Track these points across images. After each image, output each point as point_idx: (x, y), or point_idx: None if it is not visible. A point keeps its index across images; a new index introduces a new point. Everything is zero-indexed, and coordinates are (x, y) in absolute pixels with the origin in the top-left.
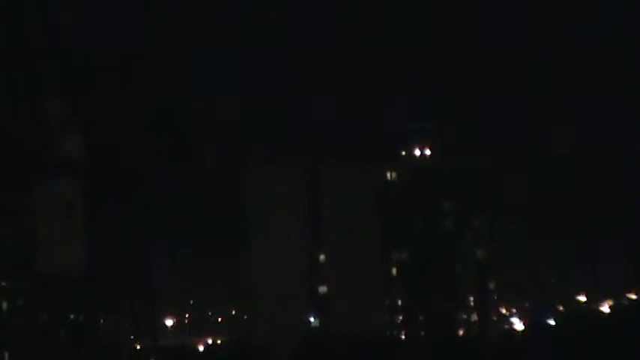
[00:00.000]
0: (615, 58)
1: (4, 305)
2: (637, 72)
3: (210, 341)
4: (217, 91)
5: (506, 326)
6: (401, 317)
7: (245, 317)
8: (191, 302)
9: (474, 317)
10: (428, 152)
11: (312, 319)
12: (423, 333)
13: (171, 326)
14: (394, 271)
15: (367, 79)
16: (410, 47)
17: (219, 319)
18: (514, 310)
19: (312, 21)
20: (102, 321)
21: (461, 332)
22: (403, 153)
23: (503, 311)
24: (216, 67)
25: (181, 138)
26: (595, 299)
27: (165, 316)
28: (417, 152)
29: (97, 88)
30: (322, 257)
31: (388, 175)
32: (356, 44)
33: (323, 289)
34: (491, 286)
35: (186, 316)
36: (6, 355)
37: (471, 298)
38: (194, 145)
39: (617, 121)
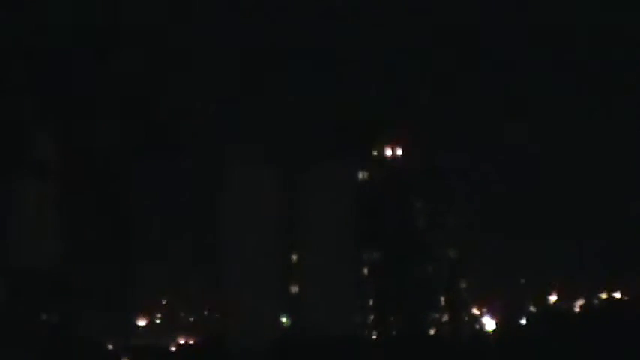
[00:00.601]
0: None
1: None
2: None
3: (182, 341)
4: (190, 87)
5: (478, 326)
6: (372, 317)
7: (217, 317)
8: (163, 302)
9: (446, 317)
10: (400, 152)
11: (284, 319)
12: (394, 333)
13: (144, 326)
14: (366, 270)
15: (342, 77)
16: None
17: (192, 319)
18: (485, 310)
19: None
20: (74, 319)
21: (432, 332)
22: (375, 153)
23: (475, 311)
24: (191, 61)
25: (156, 132)
26: (567, 299)
27: (137, 316)
28: (389, 152)
29: (71, 86)
30: (294, 257)
31: (360, 174)
32: (332, 43)
33: (295, 288)
34: (463, 285)
35: (158, 316)
36: None
37: (443, 298)
38: (168, 138)
39: (591, 121)
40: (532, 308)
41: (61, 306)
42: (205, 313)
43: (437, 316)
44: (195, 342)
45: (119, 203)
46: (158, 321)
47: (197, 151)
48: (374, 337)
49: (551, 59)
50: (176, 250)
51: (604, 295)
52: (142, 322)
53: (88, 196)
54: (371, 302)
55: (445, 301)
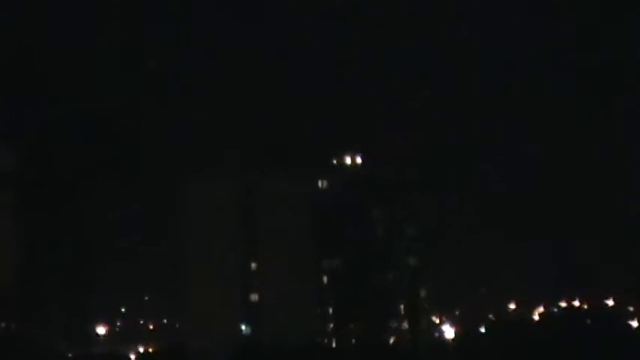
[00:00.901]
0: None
1: None
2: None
3: (142, 349)
4: (150, 99)
5: (437, 334)
6: (332, 325)
7: (177, 326)
8: (123, 310)
9: (405, 325)
10: (359, 160)
11: (243, 328)
12: (354, 341)
13: (103, 335)
14: (325, 279)
15: (298, 87)
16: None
17: (151, 327)
18: (445, 318)
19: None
20: (33, 329)
21: (392, 340)
22: (334, 161)
23: (435, 319)
24: (150, 72)
25: (115, 149)
26: (526, 307)
27: (97, 324)
28: (349, 160)
29: (32, 98)
30: (254, 265)
31: (320, 183)
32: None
33: (255, 297)
34: (423, 294)
35: (118, 324)
36: None
37: (402, 306)
38: (128, 153)
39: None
40: (492, 317)
41: (19, 315)
42: (165, 321)
43: (396, 324)
44: (155, 350)
45: (78, 214)
46: (118, 329)
47: (155, 162)
48: (334, 345)
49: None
50: (136, 260)
51: (563, 304)
52: (101, 331)
53: (47, 208)
54: (331, 310)
55: (405, 309)
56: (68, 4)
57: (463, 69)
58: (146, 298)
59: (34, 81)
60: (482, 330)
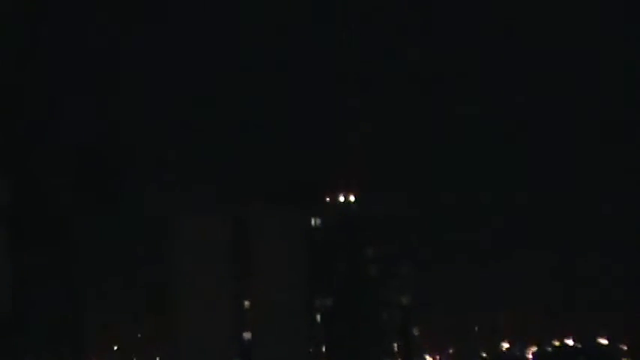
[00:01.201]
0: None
1: None
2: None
3: None
4: (140, 137)
5: None
6: None
7: None
8: (115, 348)
9: None
10: (352, 199)
11: None
12: None
13: None
14: (318, 317)
15: (293, 124)
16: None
17: None
18: (438, 357)
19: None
20: None
21: None
22: (328, 199)
23: (428, 358)
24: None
25: (107, 185)
26: (520, 346)
27: None
28: (342, 198)
29: (22, 134)
30: (247, 303)
31: (313, 221)
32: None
33: (247, 335)
34: (416, 332)
35: None
36: None
37: (395, 345)
38: (119, 191)
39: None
40: (485, 355)
41: (12, 352)
42: (157, 359)
43: None
44: None
45: (71, 251)
46: None
47: (147, 199)
48: None
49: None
50: (127, 297)
51: (557, 342)
52: None
53: (39, 243)
54: (324, 349)
55: (398, 347)
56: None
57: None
58: (138, 336)
59: (27, 115)
60: None
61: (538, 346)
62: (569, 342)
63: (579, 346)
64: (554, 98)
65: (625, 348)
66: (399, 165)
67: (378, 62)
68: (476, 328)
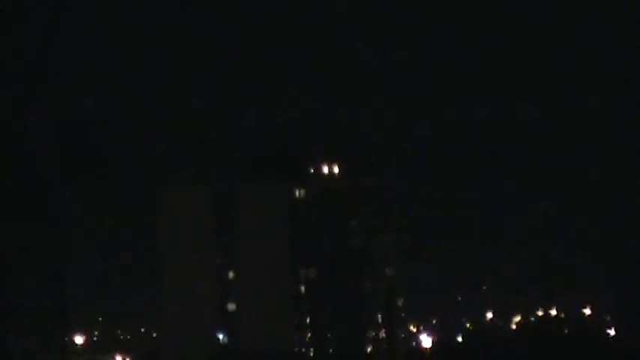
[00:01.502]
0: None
1: None
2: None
3: (119, 359)
4: (124, 107)
5: (414, 343)
6: (309, 334)
7: (154, 335)
8: (100, 320)
9: (382, 334)
10: (336, 170)
11: (221, 337)
12: (331, 350)
13: (81, 344)
14: (303, 288)
15: (273, 97)
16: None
17: (129, 337)
18: (422, 327)
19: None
20: (11, 340)
21: (369, 349)
22: (312, 171)
23: (412, 328)
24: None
25: (89, 151)
26: (503, 316)
27: (75, 333)
28: (326, 170)
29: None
30: (231, 274)
31: (297, 192)
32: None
33: (232, 306)
34: (400, 303)
35: (96, 333)
36: None
37: (380, 316)
38: (102, 159)
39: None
40: (468, 326)
41: None
42: (142, 330)
43: (374, 333)
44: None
45: (52, 222)
46: (95, 339)
47: (129, 174)
48: (311, 354)
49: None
50: (112, 268)
51: (540, 313)
52: (79, 340)
53: (21, 215)
54: (308, 320)
55: (382, 318)
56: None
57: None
58: (123, 309)
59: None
60: (459, 339)
61: (522, 316)
62: (553, 312)
63: (562, 315)
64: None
65: (608, 318)
66: (386, 132)
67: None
68: (459, 298)
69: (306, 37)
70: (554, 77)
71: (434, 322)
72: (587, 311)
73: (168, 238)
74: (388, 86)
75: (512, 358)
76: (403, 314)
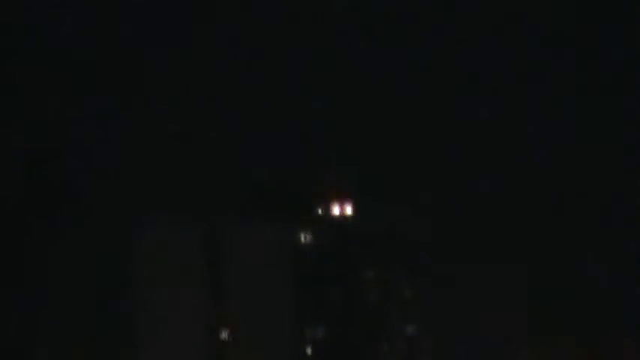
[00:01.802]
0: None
1: None
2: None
3: None
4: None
5: None
6: None
7: None
8: None
9: None
10: (349, 210)
11: None
12: None
13: None
14: (309, 350)
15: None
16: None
17: None
18: None
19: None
20: None
21: None
22: (319, 211)
23: None
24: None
25: (62, 188)
26: None
27: None
28: (337, 211)
29: None
30: (225, 334)
31: (302, 237)
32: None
33: None
34: None
35: None
36: None
37: None
38: (78, 197)
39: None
40: None
41: None
42: None
43: None
44: None
45: (29, 268)
46: None
47: (110, 213)
48: None
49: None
50: (90, 328)
51: None
52: None
53: None
54: None
55: None
56: None
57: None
58: None
59: None
60: None
61: None
62: None
63: None
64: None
65: None
66: (404, 171)
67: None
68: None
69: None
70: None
71: None
72: None
73: (145, 288)
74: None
75: None
76: None
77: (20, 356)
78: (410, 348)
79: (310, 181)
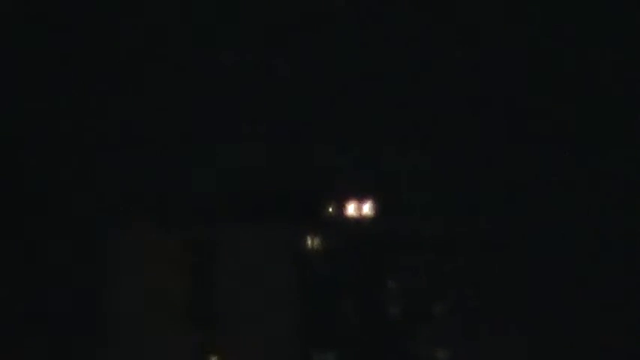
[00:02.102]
0: None
1: None
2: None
3: None
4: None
5: None
6: None
7: None
8: None
9: None
10: (368, 210)
11: None
12: None
13: None
14: None
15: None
16: None
17: None
18: None
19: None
20: None
21: None
22: (331, 211)
23: None
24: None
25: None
26: None
27: None
28: (352, 210)
29: None
30: None
31: (309, 242)
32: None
33: None
34: None
35: None
36: None
37: None
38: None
39: None
40: None
41: None
42: None
43: None
44: None
45: None
46: None
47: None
48: None
49: None
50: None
51: None
52: None
53: None
54: None
55: None
56: None
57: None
58: None
59: None
60: None
61: None
62: None
63: None
64: None
65: None
66: (432, 163)
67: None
68: None
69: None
70: None
71: None
72: None
73: (120, 305)
74: None
75: None
76: None
77: None
78: None
79: (318, 176)
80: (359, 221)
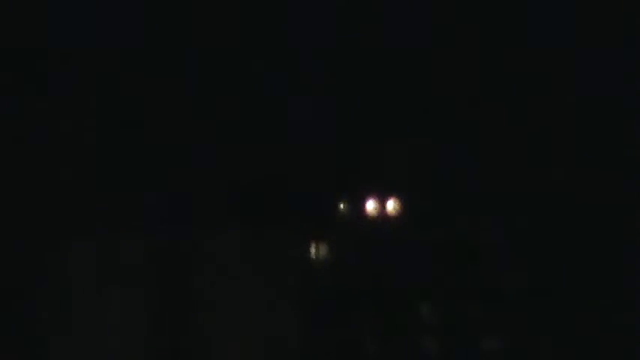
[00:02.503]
0: None
1: None
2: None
3: None
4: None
5: None
6: None
7: None
8: None
9: None
10: (391, 207)
11: None
12: None
13: None
14: None
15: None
16: None
17: None
18: None
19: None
20: None
21: None
22: (342, 209)
23: None
24: None
25: None
26: None
27: None
28: (371, 206)
29: None
30: None
31: (313, 247)
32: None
33: None
34: None
35: None
36: None
37: None
38: None
39: None
40: None
41: None
42: None
43: None
44: None
45: None
46: None
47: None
48: None
49: None
50: None
51: None
52: None
53: None
54: None
55: None
56: None
57: None
58: None
59: None
60: None
61: None
62: None
63: None
64: None
65: None
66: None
67: None
68: None
69: None
70: None
71: None
72: None
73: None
74: None
75: None
76: None
77: None
78: None
79: (324, 172)
80: (379, 222)
